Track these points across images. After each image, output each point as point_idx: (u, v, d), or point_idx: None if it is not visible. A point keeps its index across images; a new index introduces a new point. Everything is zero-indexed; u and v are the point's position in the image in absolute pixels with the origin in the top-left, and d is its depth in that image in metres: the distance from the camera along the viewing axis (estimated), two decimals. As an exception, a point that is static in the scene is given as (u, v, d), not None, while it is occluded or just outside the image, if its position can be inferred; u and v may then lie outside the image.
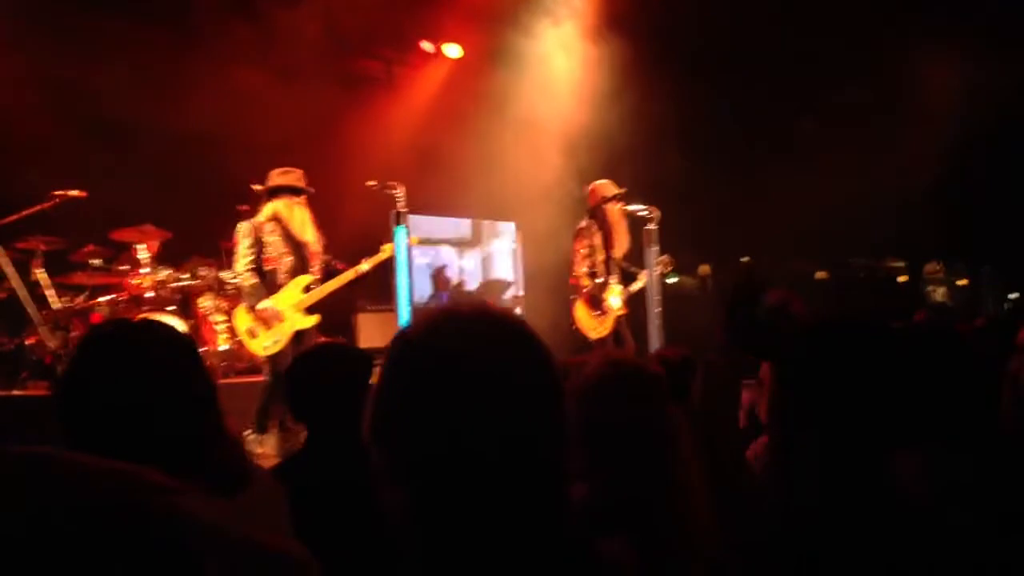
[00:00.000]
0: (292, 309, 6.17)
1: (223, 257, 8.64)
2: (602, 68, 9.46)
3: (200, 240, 8.47)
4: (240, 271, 6.19)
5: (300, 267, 6.26)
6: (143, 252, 7.79)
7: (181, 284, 8.03)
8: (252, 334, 6.18)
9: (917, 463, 1.59)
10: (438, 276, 10.34)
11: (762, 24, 9.71)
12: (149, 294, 7.72)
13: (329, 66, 8.91)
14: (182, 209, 8.01)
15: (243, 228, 6.24)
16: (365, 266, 6.41)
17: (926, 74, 9.53)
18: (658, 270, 7.36)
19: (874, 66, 9.83)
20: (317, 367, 2.71)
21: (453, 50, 10.03)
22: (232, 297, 8.44)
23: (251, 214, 8.44)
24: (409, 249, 6.59)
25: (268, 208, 6.26)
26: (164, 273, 7.90)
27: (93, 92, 7.62)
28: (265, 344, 6.10)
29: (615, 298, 7.42)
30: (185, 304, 8.08)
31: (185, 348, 1.72)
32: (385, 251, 6.45)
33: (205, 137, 8.13)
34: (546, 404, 1.14)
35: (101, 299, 7.73)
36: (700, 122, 9.98)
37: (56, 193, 7.41)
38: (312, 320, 6.23)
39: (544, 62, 9.84)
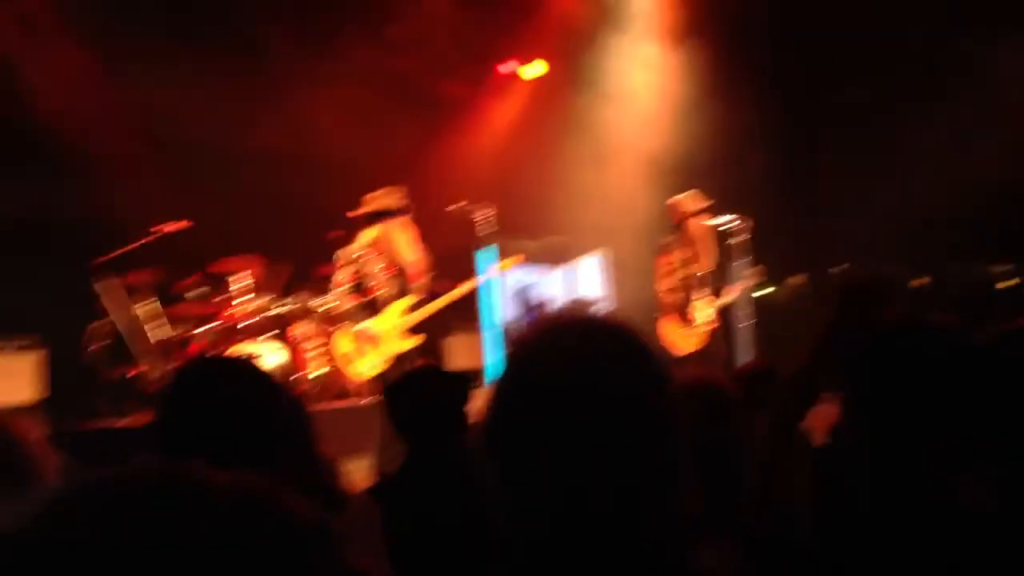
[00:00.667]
0: (392, 332, 6.16)
1: (316, 284, 8.83)
2: (681, 81, 9.40)
3: (296, 268, 8.66)
4: (338, 296, 6.23)
5: (401, 290, 6.23)
6: (240, 281, 8.00)
7: (278, 312, 8.22)
8: (350, 358, 6.19)
9: (985, 480, 1.51)
10: (523, 297, 10.36)
11: (842, 21, 9.52)
12: (247, 322, 7.92)
13: (415, 90, 9.04)
14: (278, 238, 8.23)
15: (343, 255, 6.28)
16: (467, 287, 6.36)
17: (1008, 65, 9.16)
18: (750, 282, 7.24)
19: (965, 56, 9.51)
20: (416, 387, 2.76)
21: (533, 71, 10.09)
22: (326, 323, 8.62)
23: (344, 240, 8.69)
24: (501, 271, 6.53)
25: (368, 233, 6.27)
26: (261, 301, 8.10)
27: (188, 120, 7.90)
28: (362, 370, 6.11)
29: (700, 313, 7.32)
30: (282, 332, 8.26)
31: (264, 382, 1.77)
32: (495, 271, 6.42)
33: (294, 163, 8.35)
34: (662, 415, 1.13)
35: (197, 330, 7.97)
36: (784, 128, 9.80)
37: (156, 228, 7.73)
38: (412, 342, 6.19)
39: (623, 78, 9.82)
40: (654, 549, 1.11)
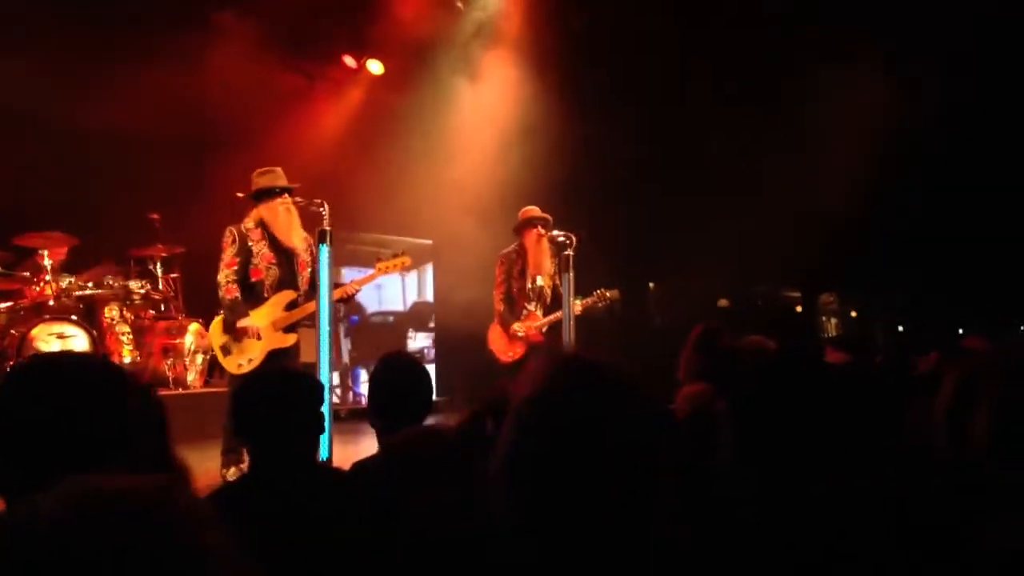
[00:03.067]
0: (271, 327, 5.75)
1: (131, 265, 8.41)
2: (524, 94, 9.61)
3: (108, 248, 8.20)
4: (221, 280, 5.74)
5: (287, 279, 5.84)
6: (47, 259, 7.51)
7: (85, 293, 7.78)
8: (226, 351, 5.80)
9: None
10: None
11: (673, 52, 10.02)
12: (52, 302, 7.44)
13: (253, 74, 8.77)
14: (90, 214, 7.77)
15: (231, 232, 5.78)
16: (354, 287, 6.12)
17: (829, 106, 9.92)
18: (587, 301, 7.46)
19: (777, 95, 10.21)
20: (263, 389, 2.69)
21: (376, 66, 10.02)
22: (138, 308, 8.23)
23: (163, 223, 8.30)
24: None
25: (255, 212, 5.81)
26: (67, 280, 7.63)
27: (3, 89, 7.33)
28: (239, 362, 5.68)
29: (532, 324, 7.49)
30: (89, 313, 7.82)
31: (118, 382, 1.70)
32: (382, 269, 6.24)
33: (117, 140, 7.91)
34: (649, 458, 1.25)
35: (1, 305, 7.43)
36: (616, 150, 10.21)
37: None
38: (290, 339, 5.81)
39: (467, 83, 9.95)
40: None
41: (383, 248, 9.40)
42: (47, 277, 7.49)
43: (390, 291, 10.92)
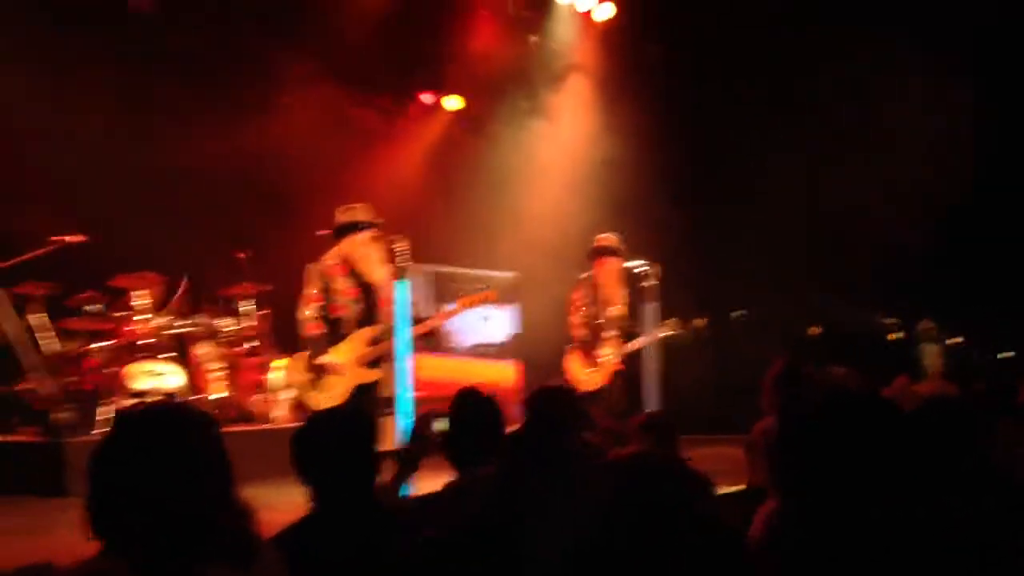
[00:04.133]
0: (354, 363, 5.78)
1: (220, 304, 8.64)
2: (600, 125, 9.62)
3: (199, 287, 8.45)
4: (304, 319, 5.81)
5: (369, 314, 5.86)
6: (141, 299, 7.76)
7: (178, 331, 8.01)
8: (308, 387, 5.85)
9: None
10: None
11: (749, 75, 9.91)
12: (145, 341, 7.68)
13: (332, 114, 8.99)
14: (180, 256, 8.02)
15: (312, 271, 5.85)
16: (438, 320, 6.12)
17: (925, 124, 9.64)
18: (664, 331, 7.36)
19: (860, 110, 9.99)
20: (326, 429, 2.70)
21: (453, 102, 10.15)
22: (227, 345, 8.42)
23: (249, 262, 8.51)
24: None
25: (337, 249, 5.88)
26: (161, 320, 7.87)
27: (92, 136, 7.66)
28: (323, 399, 5.70)
29: (605, 353, 7.40)
30: (182, 351, 8.04)
31: (208, 430, 1.74)
32: (465, 303, 6.31)
33: (203, 184, 8.18)
34: None
35: (95, 345, 7.70)
36: (697, 176, 10.09)
37: (54, 239, 7.44)
38: (375, 374, 5.81)
39: (542, 116, 10.00)
40: None
41: (471, 282, 9.49)
42: (140, 316, 7.74)
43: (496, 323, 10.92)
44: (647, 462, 1.33)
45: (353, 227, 5.88)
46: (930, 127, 9.20)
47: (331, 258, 5.92)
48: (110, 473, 1.63)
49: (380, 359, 5.90)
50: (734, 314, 12.06)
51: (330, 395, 5.75)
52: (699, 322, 10.22)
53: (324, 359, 5.76)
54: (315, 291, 5.84)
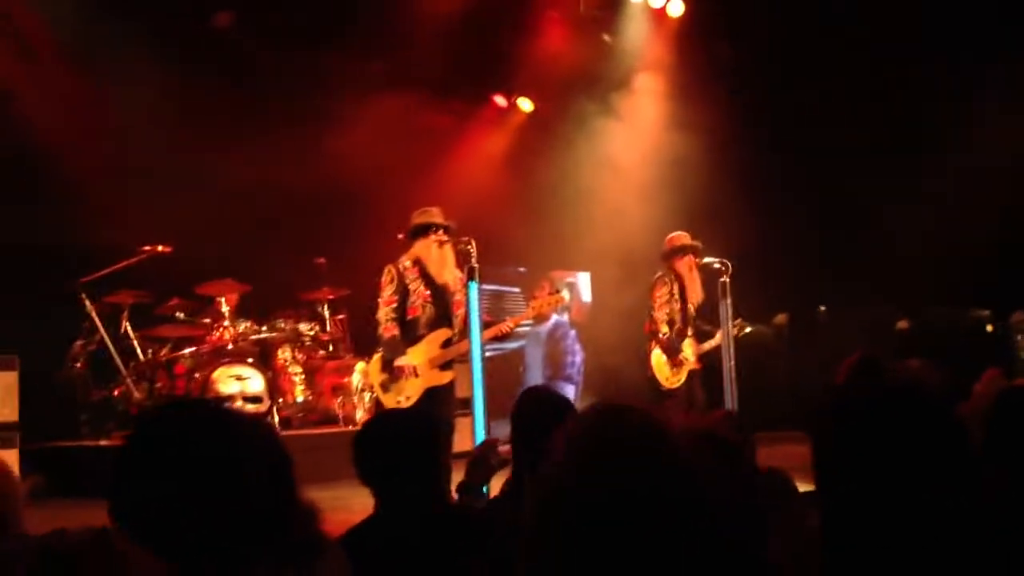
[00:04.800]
0: (427, 365, 5.84)
1: (301, 309, 8.84)
2: (673, 122, 9.53)
3: (279, 293, 8.67)
4: (381, 320, 5.90)
5: (442, 317, 5.94)
6: (225, 305, 8.01)
7: (260, 336, 8.23)
8: (384, 388, 5.94)
9: None
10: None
11: (834, 74, 9.70)
12: (230, 346, 7.92)
13: (406, 119, 9.10)
14: (261, 263, 8.25)
15: (389, 271, 5.93)
16: (510, 324, 6.20)
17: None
18: (741, 330, 7.26)
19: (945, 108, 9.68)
20: (386, 431, 2.73)
21: (526, 104, 10.19)
22: (308, 349, 8.61)
23: (328, 268, 8.69)
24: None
25: (410, 251, 5.96)
26: (243, 326, 8.11)
27: (176, 149, 7.94)
28: (398, 399, 5.80)
29: (689, 351, 7.35)
30: (265, 356, 8.26)
31: (261, 428, 1.76)
32: (535, 308, 6.35)
33: (282, 194, 8.40)
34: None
35: (185, 351, 7.97)
36: (772, 165, 9.90)
37: (144, 248, 7.75)
38: (447, 376, 5.89)
39: (615, 115, 9.95)
40: None
41: (543, 284, 9.51)
42: (225, 322, 7.98)
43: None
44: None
45: (426, 229, 5.95)
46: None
47: (406, 259, 5.99)
48: (136, 477, 1.62)
49: (452, 361, 5.96)
50: (818, 309, 11.81)
51: (404, 396, 5.82)
52: (780, 318, 10.03)
53: (399, 362, 5.84)
54: (391, 292, 5.91)
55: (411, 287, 5.95)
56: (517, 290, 10.20)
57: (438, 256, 5.95)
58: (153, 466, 1.60)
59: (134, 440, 1.65)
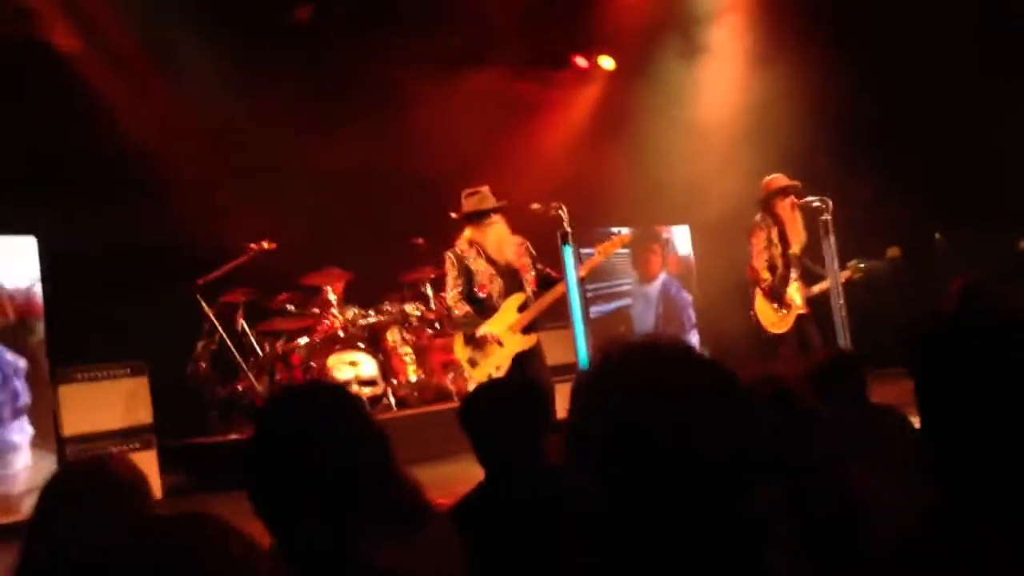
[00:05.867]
0: (509, 331, 5.96)
1: (405, 290, 8.99)
2: (760, 65, 9.26)
3: (382, 277, 8.83)
4: (450, 302, 6.09)
5: (512, 286, 6.07)
6: (331, 294, 8.21)
7: (368, 321, 8.41)
8: (473, 363, 6.03)
9: None
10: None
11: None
12: (340, 333, 8.12)
13: (488, 92, 9.10)
14: (362, 248, 8.41)
15: (449, 257, 6.12)
16: (580, 273, 6.13)
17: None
18: (846, 273, 7.06)
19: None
20: (492, 404, 2.75)
21: (608, 62, 10.05)
22: (416, 329, 8.75)
23: (427, 247, 8.80)
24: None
25: (466, 234, 6.12)
26: (351, 312, 8.29)
27: (268, 144, 8.15)
28: (489, 372, 5.92)
29: (797, 295, 7.18)
30: (374, 340, 8.44)
31: (354, 407, 1.82)
32: (599, 253, 6.43)
33: (375, 178, 8.53)
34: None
35: (299, 341, 8.21)
36: (862, 99, 9.50)
37: (251, 246, 8.00)
38: (531, 340, 6.00)
39: (698, 62, 9.73)
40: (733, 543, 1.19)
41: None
42: (333, 311, 8.18)
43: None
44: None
45: (479, 215, 6.04)
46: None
47: (464, 242, 6.09)
48: (261, 463, 1.72)
49: (532, 325, 6.05)
50: (934, 237, 11.34)
51: (493, 368, 5.92)
52: (893, 251, 9.67)
53: (480, 330, 5.92)
54: (455, 276, 6.05)
55: (473, 267, 6.09)
56: (625, 251, 10.11)
57: (495, 239, 6.08)
58: (270, 454, 1.71)
59: (255, 436, 1.77)
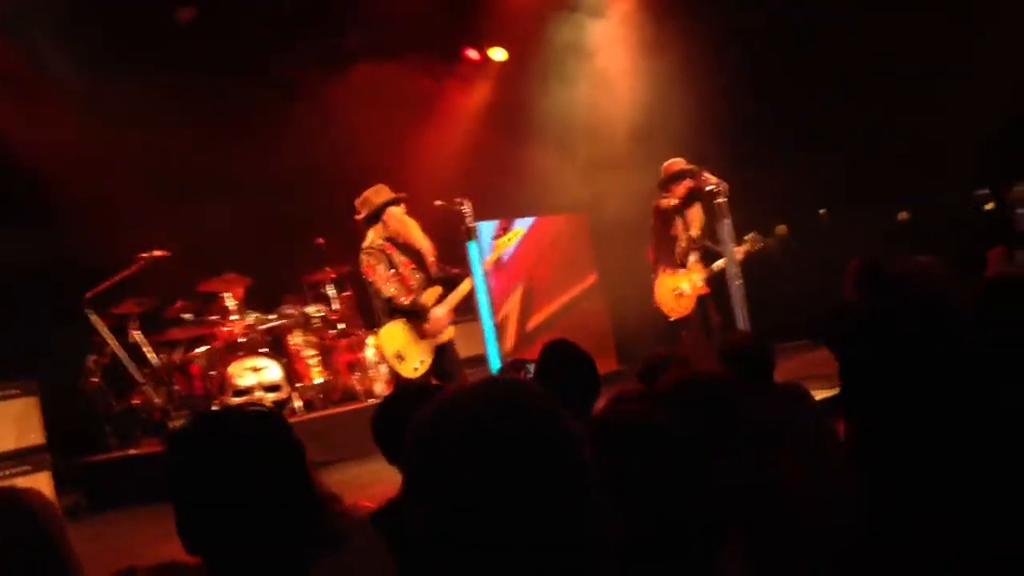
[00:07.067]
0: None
1: (306, 292, 8.83)
2: (647, 50, 9.42)
3: (283, 279, 8.67)
4: (394, 295, 5.99)
5: (427, 279, 6.15)
6: (230, 300, 8.01)
7: (270, 325, 8.24)
8: (400, 357, 6.03)
9: None
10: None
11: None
12: (241, 339, 7.94)
13: (379, 92, 9.01)
14: (259, 252, 8.23)
15: (371, 253, 6.05)
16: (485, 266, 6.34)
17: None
18: (744, 247, 7.25)
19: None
20: (407, 406, 2.72)
21: (499, 53, 10.05)
22: (319, 330, 8.61)
23: (328, 247, 8.67)
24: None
25: (379, 229, 6.10)
26: (252, 317, 8.11)
27: (156, 151, 7.90)
28: (414, 366, 5.98)
29: (696, 277, 7.34)
30: (277, 344, 8.28)
31: (279, 427, 1.78)
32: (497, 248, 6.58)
33: (271, 182, 8.36)
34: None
35: (198, 350, 8.00)
36: (750, 73, 9.76)
37: (141, 256, 7.73)
38: (450, 332, 6.12)
39: (591, 52, 9.82)
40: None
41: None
42: (233, 316, 7.99)
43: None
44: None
45: (389, 204, 6.06)
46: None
47: (377, 239, 6.05)
48: (179, 489, 1.68)
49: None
50: (820, 212, 11.76)
51: (418, 361, 5.95)
52: (781, 229, 9.98)
53: (435, 311, 5.96)
54: (384, 269, 6.03)
55: (394, 260, 6.07)
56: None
57: (409, 225, 6.12)
58: (189, 484, 1.67)
59: (169, 465, 1.72)
